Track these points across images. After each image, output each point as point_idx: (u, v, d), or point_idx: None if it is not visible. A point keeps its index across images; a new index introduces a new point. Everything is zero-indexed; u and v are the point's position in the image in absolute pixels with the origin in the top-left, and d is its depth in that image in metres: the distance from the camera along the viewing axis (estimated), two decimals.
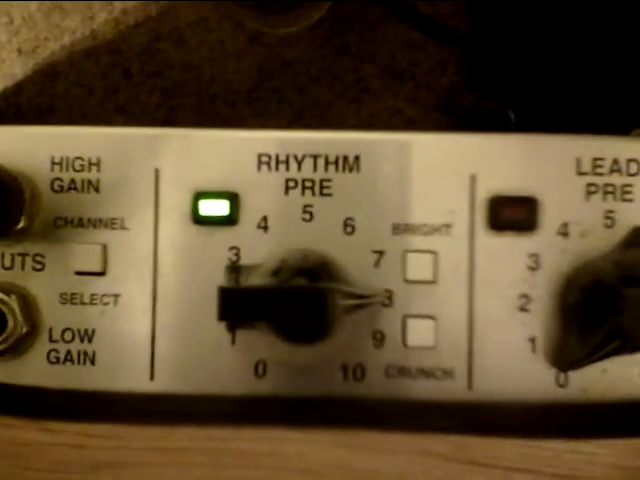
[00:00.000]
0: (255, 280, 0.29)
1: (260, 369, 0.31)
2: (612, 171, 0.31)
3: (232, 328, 0.30)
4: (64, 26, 0.47)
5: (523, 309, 0.31)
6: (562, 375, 0.31)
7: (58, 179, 0.31)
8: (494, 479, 0.27)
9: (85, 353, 0.31)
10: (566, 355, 0.29)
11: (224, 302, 0.26)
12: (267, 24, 0.44)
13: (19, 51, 0.47)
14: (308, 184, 0.31)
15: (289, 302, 0.27)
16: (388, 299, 0.31)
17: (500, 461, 0.28)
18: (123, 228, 0.31)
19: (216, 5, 0.45)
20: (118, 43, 0.47)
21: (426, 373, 0.31)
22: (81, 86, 0.46)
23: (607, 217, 0.31)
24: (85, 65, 0.47)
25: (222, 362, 0.31)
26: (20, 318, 0.30)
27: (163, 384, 0.31)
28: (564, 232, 0.31)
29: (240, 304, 0.27)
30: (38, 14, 0.46)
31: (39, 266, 0.31)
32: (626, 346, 0.27)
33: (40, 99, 0.47)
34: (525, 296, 0.31)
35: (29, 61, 0.47)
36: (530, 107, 0.45)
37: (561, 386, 0.31)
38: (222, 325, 0.30)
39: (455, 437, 0.28)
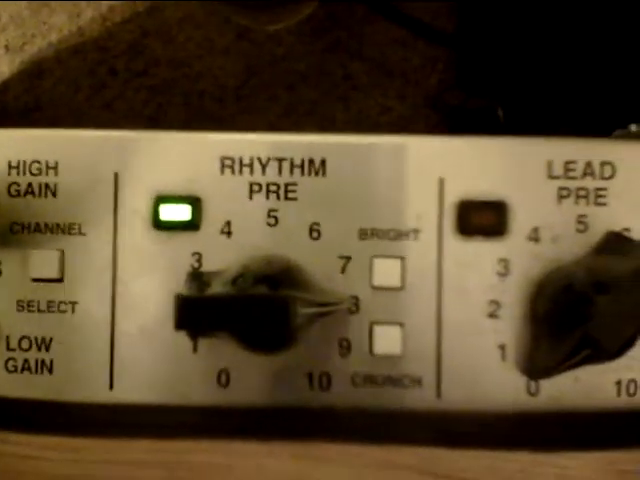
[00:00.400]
0: (217, 287, 0.29)
1: (223, 378, 0.30)
2: (585, 174, 0.30)
3: (194, 336, 0.29)
4: (51, 23, 0.46)
5: (493, 316, 0.30)
6: (533, 383, 0.30)
7: (15, 183, 0.30)
8: None
9: (42, 362, 0.30)
10: (537, 363, 0.29)
11: (181, 310, 0.26)
12: (255, 21, 0.44)
13: (6, 48, 0.46)
14: (273, 188, 0.30)
15: (248, 311, 0.26)
16: (354, 306, 0.30)
17: (465, 473, 0.27)
18: (81, 234, 0.30)
19: (203, 2, 0.45)
20: (105, 40, 0.46)
21: (393, 381, 0.30)
22: (68, 83, 0.46)
23: (579, 222, 0.30)
24: (72, 62, 0.47)
25: (183, 371, 0.30)
26: None
27: (123, 394, 0.30)
28: (535, 237, 0.30)
29: (198, 313, 0.26)
30: (26, 12, 0.46)
31: None
32: (597, 355, 0.27)
33: (27, 97, 0.46)
34: (495, 302, 0.30)
35: (16, 58, 0.46)
36: (519, 105, 0.44)
37: (532, 395, 0.30)
38: (183, 333, 0.29)
39: (419, 449, 0.27)
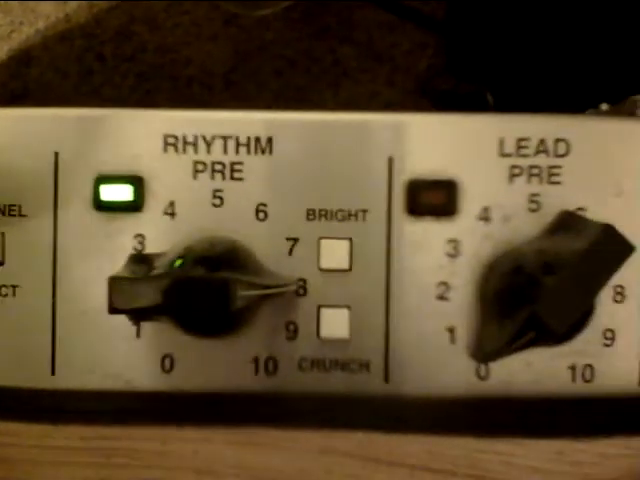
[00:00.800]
0: (159, 270, 0.28)
1: (167, 364, 0.29)
2: (538, 152, 0.29)
3: (136, 321, 0.28)
4: (39, 11, 0.46)
5: (442, 298, 0.29)
6: (483, 367, 0.29)
7: None
8: (399, 478, 0.26)
9: None
10: (484, 346, 0.28)
11: (112, 292, 0.25)
12: (243, 6, 0.43)
13: None
14: (218, 167, 0.29)
15: (186, 293, 0.26)
16: (302, 288, 0.29)
17: (406, 459, 0.26)
18: (21, 215, 0.29)
19: None
20: (92, 27, 0.46)
21: (341, 366, 0.29)
22: (55, 70, 0.46)
23: (532, 201, 0.29)
24: (59, 49, 0.46)
25: (127, 356, 0.29)
26: None
27: (65, 380, 0.29)
28: (485, 217, 0.29)
29: (131, 295, 0.25)
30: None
31: None
32: (543, 337, 0.26)
33: (14, 84, 0.46)
34: (444, 284, 0.29)
35: (4, 46, 0.46)
36: (508, 90, 0.43)
37: (482, 379, 0.29)
38: (126, 318, 0.28)
39: (359, 434, 0.26)
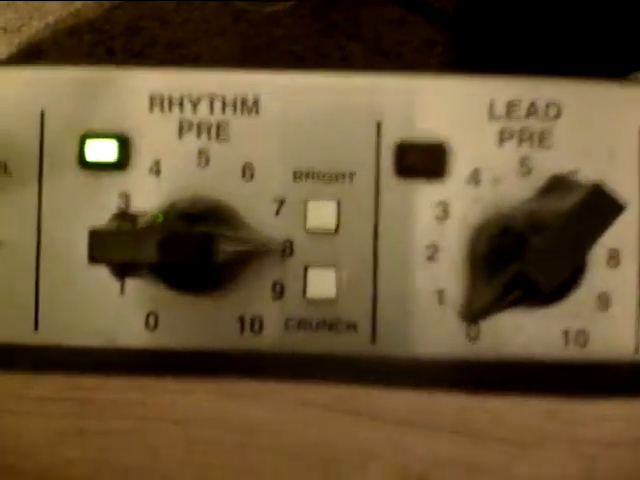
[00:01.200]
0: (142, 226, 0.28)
1: (151, 321, 0.29)
2: (529, 115, 0.29)
3: (119, 276, 0.28)
4: (48, 5, 0.46)
5: (431, 259, 0.29)
6: (473, 329, 0.29)
7: None
8: (382, 433, 0.25)
9: None
10: (472, 305, 0.28)
11: (91, 243, 0.25)
12: (252, 3, 0.43)
13: (4, 30, 0.46)
14: (204, 127, 0.29)
15: (166, 246, 0.25)
16: (289, 249, 0.29)
17: (390, 414, 0.26)
18: (6, 173, 0.29)
19: None
20: (101, 22, 0.46)
21: (327, 326, 0.29)
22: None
23: (522, 164, 0.29)
24: (68, 43, 0.46)
25: (110, 313, 0.29)
26: None
27: (48, 335, 0.29)
28: (475, 180, 0.29)
29: (110, 246, 0.25)
30: None
31: None
32: (530, 295, 0.25)
33: None
34: (433, 246, 0.29)
35: (14, 39, 0.46)
36: None
37: (471, 340, 0.29)
38: (111, 274, 0.28)
39: (341, 388, 0.26)
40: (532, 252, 0.25)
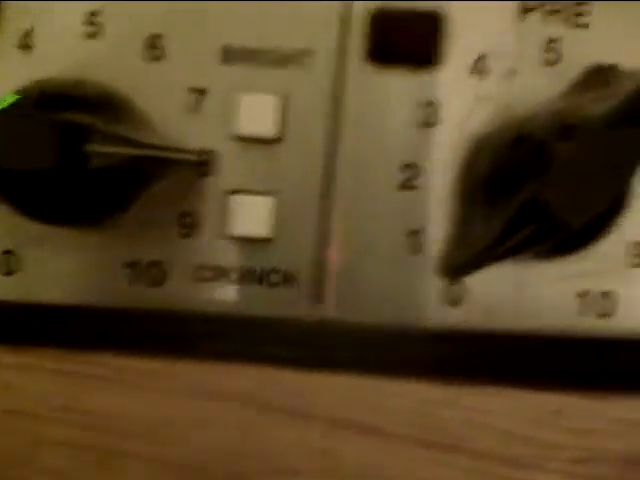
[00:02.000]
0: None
1: (8, 263, 0.20)
2: None
3: None
4: None
5: (406, 187, 0.20)
6: (455, 289, 0.20)
7: None
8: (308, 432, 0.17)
9: None
10: (459, 253, 0.19)
11: None
12: None
13: None
14: None
15: (6, 141, 0.17)
16: (206, 164, 0.20)
17: (318, 409, 0.17)
18: None
19: None
20: None
21: (256, 277, 0.20)
22: None
23: (549, 49, 0.20)
24: None
25: None
26: None
27: None
28: (480, 69, 0.20)
29: None
30: None
31: None
32: (547, 233, 0.17)
33: None
34: (411, 167, 0.20)
35: None
36: None
37: (452, 305, 0.20)
38: None
39: (260, 372, 0.18)
40: (556, 170, 0.16)
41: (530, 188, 0.16)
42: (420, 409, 0.18)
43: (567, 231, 0.16)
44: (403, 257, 0.20)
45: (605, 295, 0.20)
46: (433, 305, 0.20)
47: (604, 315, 0.20)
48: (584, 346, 0.20)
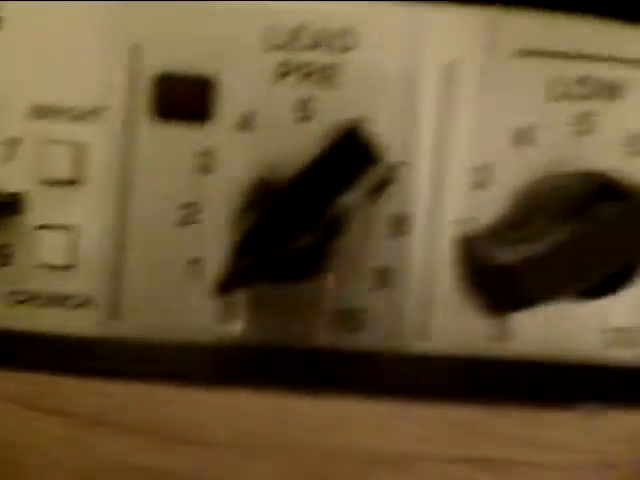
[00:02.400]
0: None
1: None
2: (314, 46, 0.24)
3: None
4: None
5: (186, 222, 0.24)
6: (229, 306, 0.23)
7: None
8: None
9: None
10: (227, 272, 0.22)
11: None
12: None
13: None
14: None
15: None
16: (16, 204, 0.24)
17: (80, 408, 0.21)
18: None
19: None
20: None
21: (57, 300, 0.24)
22: None
23: (298, 108, 0.23)
24: None
25: None
26: None
27: None
28: (247, 124, 0.24)
29: None
30: None
31: None
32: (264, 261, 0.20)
33: None
34: (191, 205, 0.24)
35: None
36: None
37: (225, 322, 0.24)
38: None
39: (27, 375, 0.21)
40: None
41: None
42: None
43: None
44: (184, 281, 0.24)
45: None
46: (210, 325, 0.24)
47: None
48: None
